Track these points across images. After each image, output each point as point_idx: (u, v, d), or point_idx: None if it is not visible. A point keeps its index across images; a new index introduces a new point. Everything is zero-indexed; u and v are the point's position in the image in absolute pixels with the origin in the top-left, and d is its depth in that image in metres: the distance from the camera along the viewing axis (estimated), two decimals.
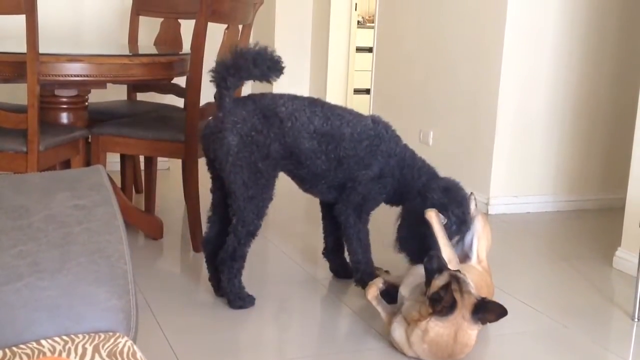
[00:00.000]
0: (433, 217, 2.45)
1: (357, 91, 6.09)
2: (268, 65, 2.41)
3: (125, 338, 1.27)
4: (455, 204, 2.51)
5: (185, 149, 3.06)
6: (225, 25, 3.11)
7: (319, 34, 5.77)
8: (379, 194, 2.59)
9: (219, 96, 2.44)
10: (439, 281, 2.08)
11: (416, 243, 2.55)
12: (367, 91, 5.39)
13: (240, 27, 3.24)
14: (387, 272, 2.76)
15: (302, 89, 5.82)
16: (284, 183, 2.64)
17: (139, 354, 1.22)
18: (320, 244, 2.88)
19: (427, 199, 2.52)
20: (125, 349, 1.23)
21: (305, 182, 2.61)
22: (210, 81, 2.45)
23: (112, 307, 1.31)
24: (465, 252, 2.54)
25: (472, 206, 2.67)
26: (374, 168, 2.54)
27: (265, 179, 2.44)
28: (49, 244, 1.32)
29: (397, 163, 2.58)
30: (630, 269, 3.00)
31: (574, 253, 3.32)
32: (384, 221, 2.81)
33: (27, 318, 1.25)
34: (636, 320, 2.55)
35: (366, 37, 6.05)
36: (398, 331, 2.22)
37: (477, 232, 2.52)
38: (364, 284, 2.61)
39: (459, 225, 2.51)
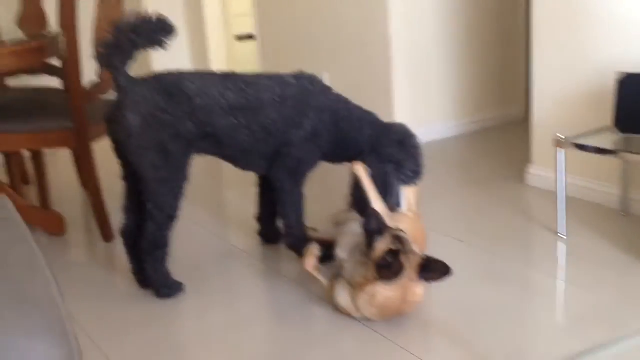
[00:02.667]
0: (360, 170, 2.37)
1: (239, 38, 5.83)
2: (154, 29, 2.22)
3: None
4: (411, 159, 2.44)
5: (75, 137, 2.82)
6: None
7: None
8: (315, 154, 2.46)
9: (112, 78, 2.24)
10: (382, 244, 2.02)
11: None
12: (251, 37, 5.18)
13: None
14: (315, 230, 2.69)
15: (179, 42, 5.55)
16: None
17: None
18: (243, 212, 2.76)
19: (383, 155, 2.42)
20: None
21: (239, 161, 2.46)
22: (100, 66, 2.24)
23: (51, 358, 1.16)
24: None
25: None
26: (306, 127, 2.40)
27: (176, 160, 2.28)
28: None
29: (330, 117, 2.44)
30: (543, 185, 3.06)
31: (486, 174, 3.36)
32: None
33: None
34: (563, 236, 2.61)
35: None
36: (342, 296, 2.16)
37: None
38: (295, 248, 2.53)
39: (413, 179, 2.46)
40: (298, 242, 2.52)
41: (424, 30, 3.84)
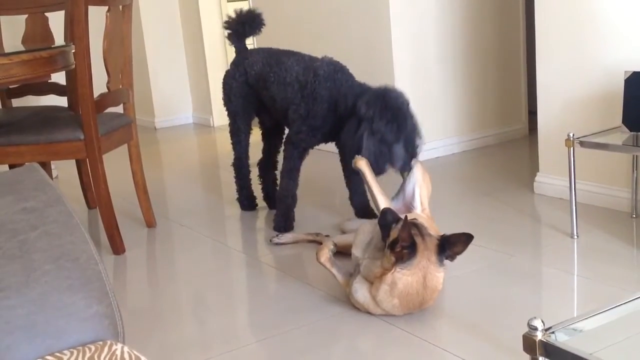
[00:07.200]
0: (363, 166, 2.38)
1: None
2: None
3: (120, 345, 1.11)
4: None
5: (86, 147, 2.82)
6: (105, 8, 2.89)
7: (188, 7, 5.55)
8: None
9: None
10: (396, 229, 2.01)
11: None
12: None
13: (120, 7, 3.02)
14: (327, 236, 2.68)
15: (181, 75, 5.61)
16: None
17: (143, 359, 1.07)
18: (249, 222, 2.74)
19: None
20: (127, 357, 1.07)
21: None
22: None
23: (94, 314, 1.14)
24: (407, 202, 2.50)
25: None
26: None
27: None
28: (5, 256, 1.13)
29: None
30: (551, 192, 3.08)
31: (494, 186, 3.37)
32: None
33: (1, 344, 1.06)
34: (576, 237, 2.61)
35: None
36: (360, 292, 2.14)
37: (418, 181, 2.49)
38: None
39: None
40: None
41: (426, 51, 3.90)
